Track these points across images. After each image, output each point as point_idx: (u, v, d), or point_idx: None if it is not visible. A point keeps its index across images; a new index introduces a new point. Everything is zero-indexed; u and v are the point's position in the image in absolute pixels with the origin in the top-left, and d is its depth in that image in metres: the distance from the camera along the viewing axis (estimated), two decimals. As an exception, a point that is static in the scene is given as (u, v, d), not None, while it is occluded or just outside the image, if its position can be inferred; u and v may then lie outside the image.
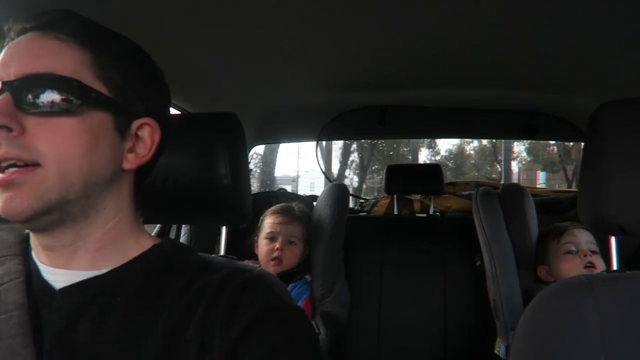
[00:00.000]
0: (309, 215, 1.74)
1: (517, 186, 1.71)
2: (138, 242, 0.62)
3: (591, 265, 1.40)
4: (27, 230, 0.62)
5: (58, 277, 0.57)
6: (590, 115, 0.78)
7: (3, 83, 0.52)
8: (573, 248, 1.46)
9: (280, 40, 1.24)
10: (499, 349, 1.46)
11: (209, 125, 0.90)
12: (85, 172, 0.54)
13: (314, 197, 1.99)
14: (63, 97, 0.52)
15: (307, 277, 1.64)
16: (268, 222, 1.65)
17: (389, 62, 1.47)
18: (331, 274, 1.64)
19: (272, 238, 1.61)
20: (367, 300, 1.97)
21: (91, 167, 0.54)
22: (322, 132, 2.15)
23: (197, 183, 0.85)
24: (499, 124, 2.07)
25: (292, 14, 1.08)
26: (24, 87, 0.52)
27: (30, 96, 0.51)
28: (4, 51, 0.56)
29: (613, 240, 0.86)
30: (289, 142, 2.39)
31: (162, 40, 1.14)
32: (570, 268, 1.42)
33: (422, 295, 1.98)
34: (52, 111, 0.52)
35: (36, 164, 0.51)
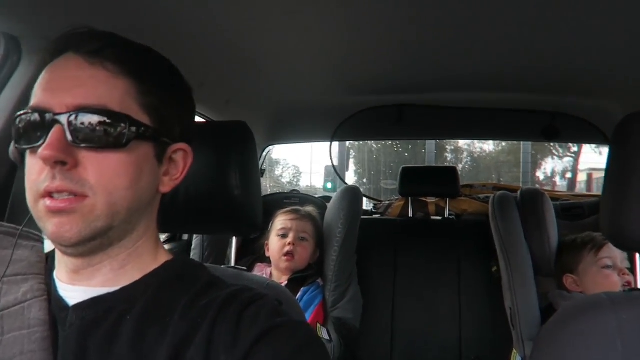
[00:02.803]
0: (319, 217, 1.74)
1: (536, 191, 1.67)
2: (156, 259, 0.63)
3: (627, 285, 1.37)
4: (47, 251, 0.62)
5: (73, 294, 0.58)
6: (616, 126, 0.75)
7: (55, 114, 0.53)
8: (610, 263, 1.42)
9: (294, 40, 1.22)
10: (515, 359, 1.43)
11: (219, 135, 0.89)
12: (130, 201, 0.56)
13: (327, 199, 1.98)
14: (114, 132, 0.54)
15: (319, 281, 1.63)
16: (279, 220, 1.67)
17: (406, 63, 1.44)
18: (344, 279, 1.64)
19: (283, 235, 1.63)
20: (380, 304, 1.95)
21: (135, 196, 0.57)
22: (337, 132, 2.12)
23: (207, 194, 0.84)
24: (520, 125, 2.02)
25: (307, 13, 1.06)
26: (77, 121, 0.53)
27: (82, 130, 0.53)
28: (48, 75, 0.56)
29: (638, 256, 0.83)
30: (302, 142, 2.36)
31: (173, 42, 1.13)
32: (609, 284, 1.38)
33: (436, 301, 1.95)
34: (103, 146, 0.54)
35: (85, 196, 0.53)
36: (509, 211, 1.57)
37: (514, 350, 1.46)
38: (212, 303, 0.58)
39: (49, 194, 0.53)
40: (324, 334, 1.43)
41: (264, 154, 2.22)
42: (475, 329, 1.89)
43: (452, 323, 1.91)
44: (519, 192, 1.71)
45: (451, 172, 2.18)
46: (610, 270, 1.42)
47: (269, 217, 1.72)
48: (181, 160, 0.63)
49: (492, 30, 1.15)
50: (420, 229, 2.18)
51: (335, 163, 2.58)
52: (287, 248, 1.59)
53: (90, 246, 0.55)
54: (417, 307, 1.94)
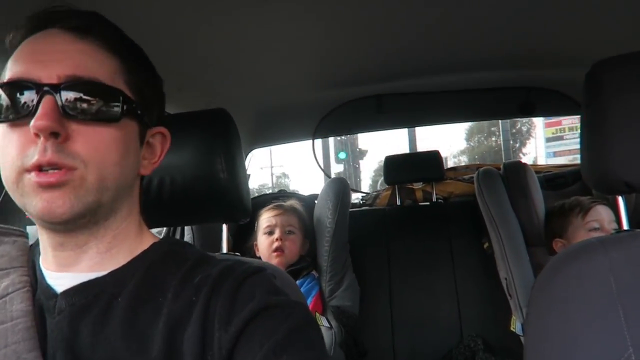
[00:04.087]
0: (304, 209, 1.75)
1: (518, 163, 1.70)
2: (142, 242, 0.63)
3: None
4: (30, 243, 0.62)
5: (61, 281, 0.57)
6: (586, 74, 0.77)
7: (47, 85, 0.51)
8: (597, 226, 1.45)
9: (270, 38, 1.22)
10: (515, 326, 1.44)
11: (200, 123, 0.89)
12: (117, 178, 0.56)
13: (315, 196, 1.98)
14: (108, 106, 0.53)
15: (314, 273, 1.62)
16: (264, 218, 1.67)
17: (382, 52, 1.45)
18: (338, 268, 1.63)
19: (270, 232, 1.62)
20: (378, 293, 1.95)
21: (122, 173, 0.56)
22: (318, 128, 2.13)
23: (194, 181, 0.84)
24: (497, 103, 2.05)
25: (281, 9, 1.06)
26: (70, 92, 0.52)
27: (75, 102, 0.52)
28: (30, 47, 0.54)
29: (620, 200, 0.84)
30: (285, 142, 2.37)
31: (150, 42, 1.12)
32: None
33: (433, 284, 1.96)
34: (96, 119, 0.53)
35: (74, 168, 0.52)
36: (494, 184, 1.59)
37: (513, 317, 1.47)
38: (205, 279, 0.57)
39: (37, 168, 0.50)
40: (323, 322, 1.43)
41: (248, 159, 2.22)
42: (474, 307, 1.90)
43: (450, 303, 1.91)
44: (501, 166, 1.74)
45: (434, 156, 2.20)
46: (597, 232, 1.45)
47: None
48: (159, 144, 0.64)
49: (462, 10, 1.17)
50: (410, 215, 2.20)
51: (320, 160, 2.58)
52: (276, 244, 1.58)
53: (79, 223, 0.54)
54: (414, 291, 1.95)
